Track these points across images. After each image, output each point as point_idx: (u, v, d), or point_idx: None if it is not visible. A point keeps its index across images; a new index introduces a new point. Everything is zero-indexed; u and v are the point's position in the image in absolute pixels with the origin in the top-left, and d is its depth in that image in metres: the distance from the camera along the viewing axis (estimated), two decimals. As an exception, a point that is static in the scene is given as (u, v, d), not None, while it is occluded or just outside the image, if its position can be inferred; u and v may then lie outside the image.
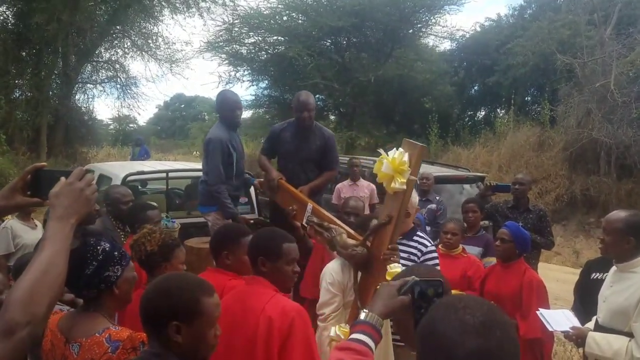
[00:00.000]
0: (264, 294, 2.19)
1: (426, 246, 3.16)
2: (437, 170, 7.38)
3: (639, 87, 12.13)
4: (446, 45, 20.58)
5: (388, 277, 2.47)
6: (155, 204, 3.82)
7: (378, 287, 2.22)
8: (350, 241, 2.81)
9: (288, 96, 20.61)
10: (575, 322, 2.87)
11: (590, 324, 2.84)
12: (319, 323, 2.91)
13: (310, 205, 3.29)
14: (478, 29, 19.66)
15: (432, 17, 17.90)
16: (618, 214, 2.78)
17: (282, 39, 18.32)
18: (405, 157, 2.44)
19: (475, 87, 20.11)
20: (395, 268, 2.49)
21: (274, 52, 18.68)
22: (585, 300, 3.31)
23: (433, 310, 1.10)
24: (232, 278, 2.54)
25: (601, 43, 13.03)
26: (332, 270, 2.99)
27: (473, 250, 4.32)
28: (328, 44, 18.96)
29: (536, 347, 3.31)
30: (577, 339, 2.75)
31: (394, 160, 2.44)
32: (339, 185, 6.82)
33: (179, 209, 6.37)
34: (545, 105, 14.77)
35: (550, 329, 2.93)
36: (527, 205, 5.22)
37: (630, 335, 2.56)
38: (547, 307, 3.23)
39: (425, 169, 6.73)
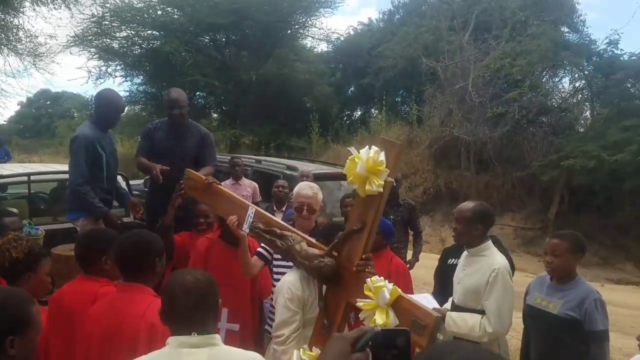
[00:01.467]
0: (142, 300, 2.16)
1: None
2: (317, 168, 7.66)
3: (494, 89, 13.53)
4: (323, 47, 21.24)
5: (367, 292, 2.20)
6: (15, 210, 3.54)
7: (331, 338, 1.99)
8: (314, 251, 2.46)
9: (166, 93, 19.86)
10: (435, 304, 3.19)
11: (448, 305, 3.17)
12: (275, 347, 2.63)
13: (252, 208, 2.77)
14: (352, 32, 20.61)
15: (308, 19, 18.35)
16: (467, 205, 3.12)
17: (157, 33, 17.58)
18: (382, 157, 2.23)
19: (352, 88, 21.02)
20: (378, 282, 2.19)
21: (148, 47, 17.86)
22: (443, 283, 3.69)
23: None
24: (104, 285, 2.46)
25: (460, 48, 14.33)
26: (290, 284, 2.62)
27: None
28: (207, 40, 18.58)
29: None
30: None
31: (369, 161, 2.22)
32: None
33: (43, 215, 5.99)
34: (412, 105, 15.93)
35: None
36: (397, 199, 5.67)
37: (482, 312, 2.91)
38: (411, 291, 3.55)
39: (304, 167, 6.97)
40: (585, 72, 12.71)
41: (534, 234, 12.87)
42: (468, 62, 13.60)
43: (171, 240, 3.73)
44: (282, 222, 2.77)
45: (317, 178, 6.67)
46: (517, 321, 3.22)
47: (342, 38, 20.07)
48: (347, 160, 2.31)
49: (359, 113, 21.42)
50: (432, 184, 14.25)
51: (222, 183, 6.61)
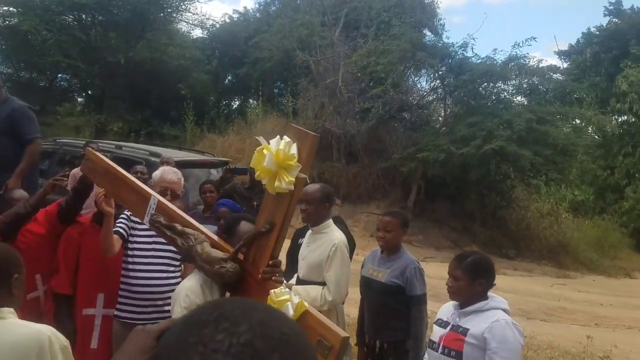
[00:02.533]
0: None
1: None
2: (185, 155, 7.66)
3: (361, 85, 14.35)
4: (198, 33, 20.79)
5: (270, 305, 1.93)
6: None
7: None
8: (217, 253, 2.13)
9: (24, 73, 18.35)
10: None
11: (293, 280, 3.48)
12: None
13: (154, 199, 2.36)
14: (227, 20, 20.42)
15: (182, 3, 17.88)
16: (314, 186, 3.41)
17: (15, 10, 16.04)
18: (294, 149, 1.91)
19: (229, 77, 20.88)
20: (282, 295, 1.92)
21: (4, 24, 16.28)
22: (293, 262, 4.01)
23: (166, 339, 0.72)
24: None
25: (331, 43, 14.91)
26: (189, 291, 2.36)
27: (211, 229, 4.71)
28: (70, 19, 17.28)
29: None
30: None
31: (279, 154, 1.89)
32: (74, 171, 6.48)
33: None
34: (288, 97, 16.32)
35: None
36: (262, 186, 5.88)
37: (324, 284, 3.26)
38: None
39: (169, 153, 6.91)
40: (440, 73, 14.02)
41: (396, 221, 13.99)
42: (338, 58, 14.21)
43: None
44: (188, 218, 2.34)
45: (184, 165, 6.67)
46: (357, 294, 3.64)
47: (217, 25, 19.83)
48: (255, 152, 1.97)
49: (237, 103, 21.38)
50: (307, 175, 14.77)
51: (75, 169, 6.37)
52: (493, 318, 2.47)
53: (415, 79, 15.58)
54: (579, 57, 23.21)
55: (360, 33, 14.96)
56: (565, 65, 23.18)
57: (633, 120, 19.11)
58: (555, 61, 26.00)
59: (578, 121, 16.17)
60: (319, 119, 14.66)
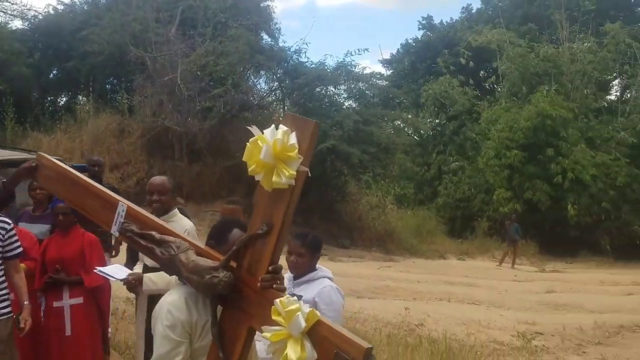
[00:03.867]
0: None
1: (9, 224, 3.16)
2: (9, 154, 7.05)
3: (202, 84, 14.33)
4: (18, 24, 18.76)
5: (275, 317, 1.67)
6: None
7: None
8: (206, 262, 1.85)
9: None
10: (127, 271, 3.59)
11: (138, 269, 3.60)
12: None
13: (123, 205, 2.07)
14: (52, 11, 18.75)
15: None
16: (162, 178, 3.60)
17: None
18: (293, 139, 1.70)
19: (54, 71, 19.16)
20: (291, 305, 1.65)
21: None
22: (134, 253, 4.07)
23: None
24: None
25: (167, 41, 14.63)
26: (171, 306, 1.99)
27: (42, 229, 4.50)
28: None
29: (98, 293, 3.91)
30: (135, 281, 3.39)
31: (276, 144, 1.68)
32: None
33: None
34: (122, 94, 15.62)
35: (113, 280, 3.56)
36: (101, 182, 5.76)
37: None
38: (104, 263, 3.86)
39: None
40: (277, 75, 14.72)
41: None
42: (176, 56, 14.05)
43: None
44: (164, 224, 2.09)
45: (9, 165, 6.17)
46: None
47: (40, 16, 18.14)
48: (248, 144, 1.73)
49: (64, 99, 19.70)
50: (146, 173, 14.31)
51: None
52: (321, 285, 2.93)
53: (255, 80, 16.09)
54: (399, 66, 26.08)
55: (197, 32, 14.92)
56: (388, 72, 25.89)
57: (445, 122, 22.18)
58: (380, 69, 28.82)
59: (398, 122, 18.24)
60: (157, 117, 14.33)
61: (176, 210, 3.59)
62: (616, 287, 12.21)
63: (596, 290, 11.70)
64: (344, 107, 15.51)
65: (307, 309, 1.65)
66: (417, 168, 21.71)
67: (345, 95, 15.89)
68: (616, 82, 22.88)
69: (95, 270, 3.60)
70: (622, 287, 12.14)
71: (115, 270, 3.59)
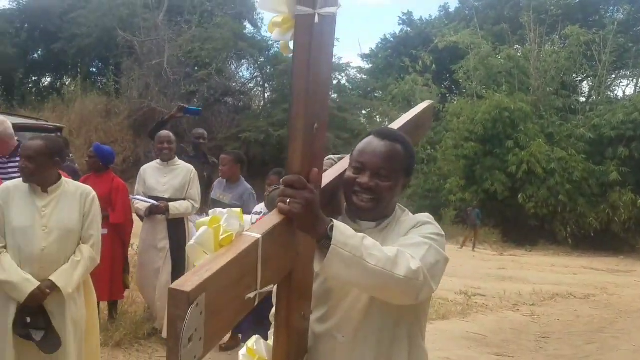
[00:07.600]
0: None
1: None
2: (20, 120, 7.72)
3: (187, 68, 15.06)
4: (5, 4, 19.09)
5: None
6: None
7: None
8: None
9: None
10: (155, 202, 4.21)
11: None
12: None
13: None
14: (40, -8, 19.12)
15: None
16: (166, 132, 4.41)
17: None
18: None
19: (40, 52, 19.58)
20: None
21: None
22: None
23: None
24: None
25: (155, 26, 15.29)
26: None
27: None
28: None
29: (121, 228, 4.41)
30: (164, 206, 4.07)
31: None
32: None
33: None
34: (110, 76, 16.20)
35: (147, 204, 4.15)
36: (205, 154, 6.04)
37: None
38: (128, 203, 4.49)
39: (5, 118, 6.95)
40: (259, 63, 15.53)
41: (220, 196, 15.20)
42: (163, 41, 14.72)
43: None
44: None
45: (18, 129, 6.79)
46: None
47: (28, -2, 18.53)
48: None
49: (49, 80, 20.14)
50: (131, 152, 14.99)
51: None
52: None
53: (237, 66, 16.85)
54: (378, 60, 26.97)
55: (184, 19, 15.58)
56: (368, 66, 26.76)
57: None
58: (360, 63, 29.69)
59: (370, 110, 19.10)
60: (144, 99, 14.99)
61: (176, 158, 4.42)
62: (564, 269, 13.10)
63: (544, 270, 12.62)
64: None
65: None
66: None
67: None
68: (584, 83, 24.05)
69: (130, 197, 4.35)
70: (570, 269, 12.99)
71: (147, 200, 4.40)
